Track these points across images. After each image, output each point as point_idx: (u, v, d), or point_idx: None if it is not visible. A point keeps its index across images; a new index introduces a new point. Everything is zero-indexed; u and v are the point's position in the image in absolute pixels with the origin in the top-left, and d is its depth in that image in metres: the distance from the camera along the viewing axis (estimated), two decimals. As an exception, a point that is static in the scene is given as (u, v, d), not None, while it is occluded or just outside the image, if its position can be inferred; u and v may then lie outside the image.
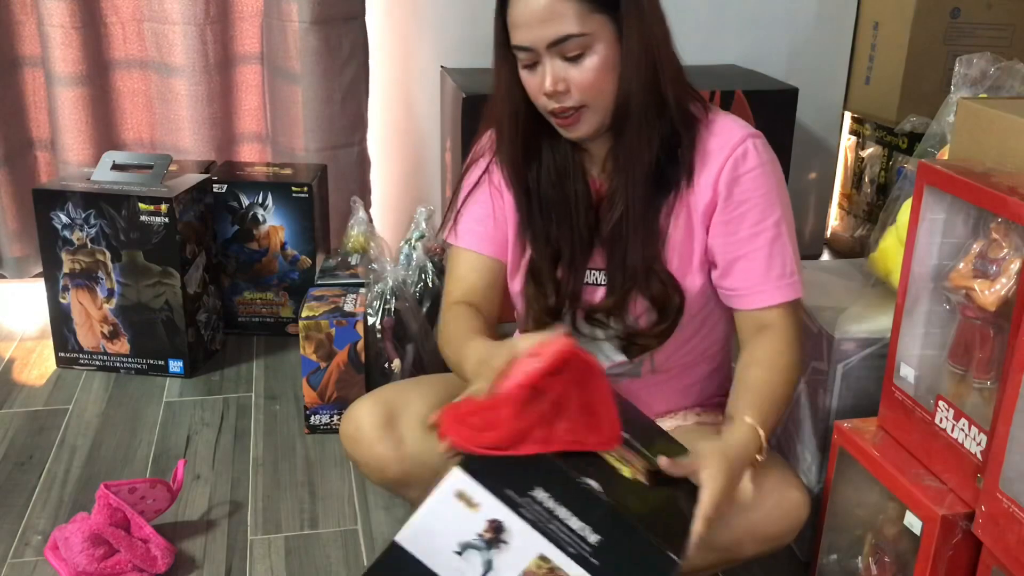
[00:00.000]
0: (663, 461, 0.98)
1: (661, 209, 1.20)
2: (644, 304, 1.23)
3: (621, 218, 1.20)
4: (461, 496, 0.90)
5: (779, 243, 1.18)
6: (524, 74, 1.16)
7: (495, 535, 0.91)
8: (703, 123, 1.20)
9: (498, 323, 1.33)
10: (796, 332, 1.20)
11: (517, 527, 0.90)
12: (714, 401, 1.37)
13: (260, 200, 2.11)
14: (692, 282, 1.23)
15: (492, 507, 0.90)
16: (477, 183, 1.30)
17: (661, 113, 1.16)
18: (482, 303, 1.29)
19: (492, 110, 1.24)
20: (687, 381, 1.34)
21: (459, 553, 0.91)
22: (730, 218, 1.19)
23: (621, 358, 1.28)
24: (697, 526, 0.95)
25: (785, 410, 1.18)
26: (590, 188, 1.24)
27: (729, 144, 1.18)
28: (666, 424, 1.31)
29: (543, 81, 1.13)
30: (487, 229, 1.29)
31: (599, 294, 1.26)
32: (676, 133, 1.18)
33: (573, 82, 1.13)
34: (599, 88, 1.13)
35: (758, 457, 1.08)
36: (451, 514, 0.91)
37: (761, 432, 1.09)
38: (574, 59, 1.12)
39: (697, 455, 1.01)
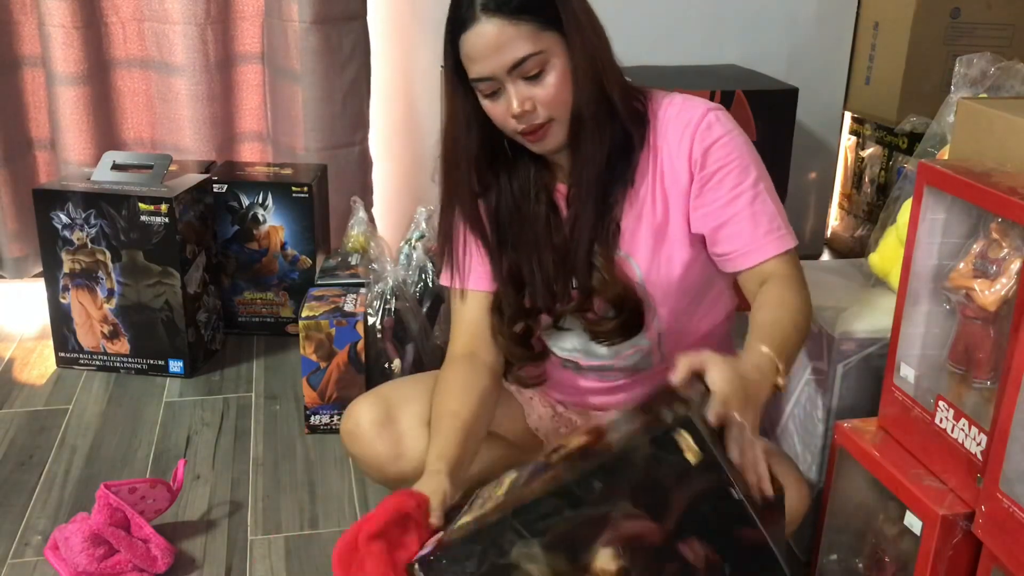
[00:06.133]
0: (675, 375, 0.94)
1: (615, 207, 1.24)
2: (602, 304, 1.26)
3: (575, 223, 1.24)
4: None
5: (759, 201, 1.21)
6: (487, 104, 1.19)
7: None
8: (654, 112, 1.24)
9: None
10: (797, 278, 1.21)
11: None
12: None
13: (260, 200, 2.11)
14: (679, 255, 1.25)
15: None
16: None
17: (611, 116, 1.20)
18: (487, 346, 1.32)
19: (450, 146, 1.27)
20: None
21: None
22: (708, 187, 1.21)
23: (628, 350, 1.30)
24: (710, 416, 0.90)
25: (798, 346, 1.14)
26: (556, 202, 1.27)
27: (693, 120, 1.21)
28: None
29: (509, 105, 1.16)
30: (483, 265, 1.32)
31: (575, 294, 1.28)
32: (627, 133, 1.22)
33: (538, 99, 1.16)
34: (562, 100, 1.17)
35: (779, 381, 1.04)
36: None
37: (776, 360, 1.04)
38: (535, 78, 1.15)
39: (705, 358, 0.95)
